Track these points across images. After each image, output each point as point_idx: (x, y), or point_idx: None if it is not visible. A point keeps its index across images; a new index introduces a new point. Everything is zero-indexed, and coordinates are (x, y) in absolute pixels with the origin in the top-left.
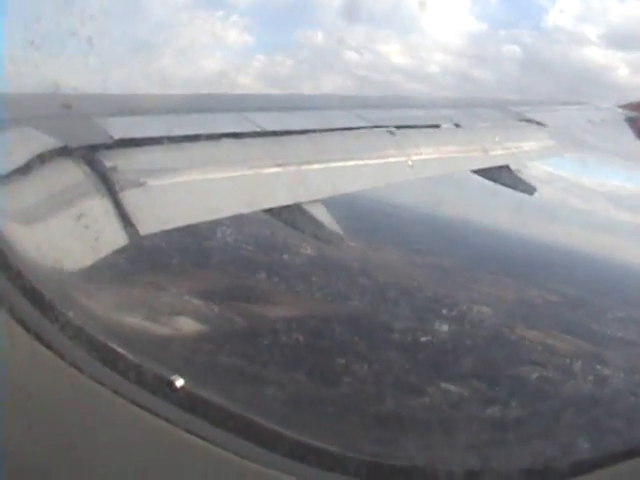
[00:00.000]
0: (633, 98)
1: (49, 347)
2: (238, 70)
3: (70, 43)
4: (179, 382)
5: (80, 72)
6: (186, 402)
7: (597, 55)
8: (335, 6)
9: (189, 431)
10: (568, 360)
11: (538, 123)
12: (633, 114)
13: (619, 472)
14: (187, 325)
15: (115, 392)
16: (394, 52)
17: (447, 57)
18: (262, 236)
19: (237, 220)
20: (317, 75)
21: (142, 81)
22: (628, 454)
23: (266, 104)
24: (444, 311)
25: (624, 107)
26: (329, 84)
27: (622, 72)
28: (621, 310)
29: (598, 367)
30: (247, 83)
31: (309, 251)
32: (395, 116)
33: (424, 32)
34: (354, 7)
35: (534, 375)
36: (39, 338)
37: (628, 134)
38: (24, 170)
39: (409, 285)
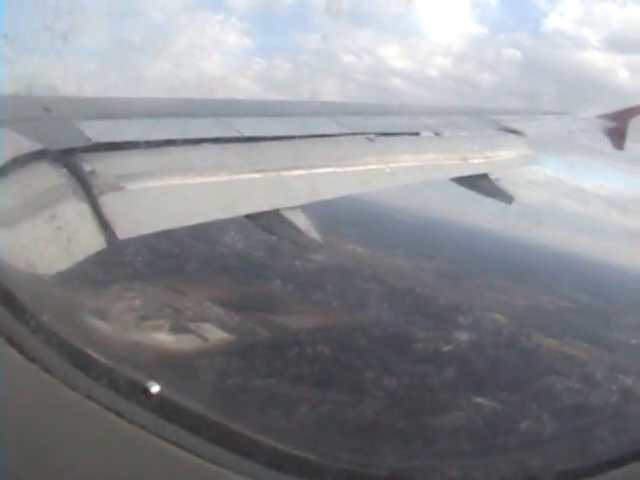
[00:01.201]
0: (633, 101)
1: (21, 351)
2: (237, 73)
3: (65, 45)
4: (154, 388)
5: (74, 74)
6: (161, 408)
7: (597, 59)
8: (332, 9)
9: (163, 438)
10: (589, 369)
11: (517, 132)
12: (611, 124)
13: None
14: (214, 333)
15: (88, 397)
16: (393, 55)
17: (447, 60)
18: (271, 242)
19: (245, 225)
20: (316, 78)
21: (139, 84)
22: None
23: (246, 110)
24: (460, 319)
25: (603, 117)
26: (328, 87)
27: (622, 75)
28: (632, 316)
29: (620, 376)
30: (246, 86)
31: (319, 257)
32: (375, 123)
33: (424, 35)
34: (353, 9)
35: (559, 386)
36: (11, 341)
37: (606, 144)
38: (2, 172)
39: (422, 292)
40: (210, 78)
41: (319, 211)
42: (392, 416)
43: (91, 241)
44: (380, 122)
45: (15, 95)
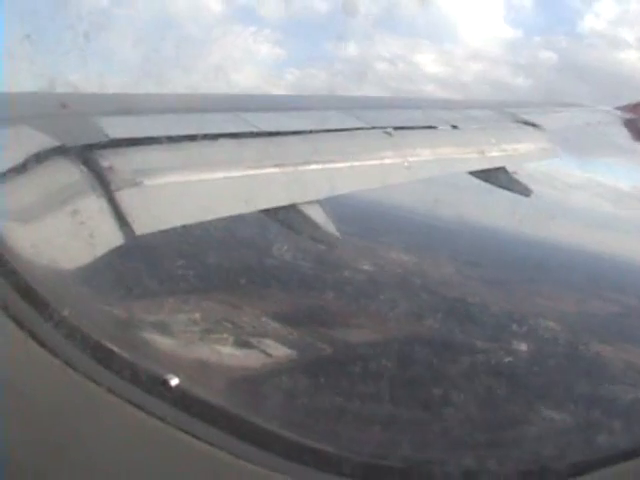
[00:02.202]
0: None
1: (43, 345)
2: (270, 83)
3: (104, 60)
4: (174, 381)
5: (111, 89)
6: (180, 401)
7: (634, 58)
8: (368, 17)
9: (183, 430)
10: None
11: (535, 125)
12: (630, 116)
13: None
14: (276, 349)
15: (109, 391)
16: (428, 62)
17: (482, 65)
18: (318, 252)
19: (291, 237)
20: (350, 87)
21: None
22: None
23: (263, 104)
24: (514, 327)
25: (621, 109)
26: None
27: None
28: None
29: None
30: None
31: (367, 267)
32: (392, 117)
33: (458, 41)
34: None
35: (629, 396)
36: (34, 336)
37: (625, 136)
38: (21, 169)
39: (473, 301)
40: (243, 89)
41: (359, 220)
42: (466, 432)
43: (109, 236)
44: (398, 116)
45: (32, 92)
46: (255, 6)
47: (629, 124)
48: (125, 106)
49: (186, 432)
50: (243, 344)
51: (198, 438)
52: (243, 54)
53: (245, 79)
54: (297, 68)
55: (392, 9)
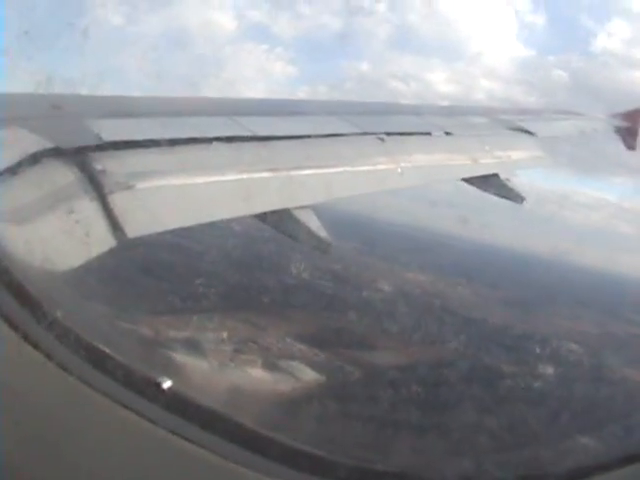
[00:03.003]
0: None
1: (36, 347)
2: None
3: (117, 81)
4: (166, 384)
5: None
6: (173, 404)
7: None
8: (381, 36)
9: (175, 433)
10: None
11: (529, 132)
12: (624, 123)
13: None
14: (304, 373)
15: (103, 393)
16: (441, 80)
17: (494, 84)
18: (335, 271)
19: (309, 255)
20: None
21: None
22: None
23: (258, 109)
24: (538, 350)
25: (616, 117)
26: None
27: None
28: None
29: None
30: None
31: (386, 287)
32: (386, 123)
33: (471, 59)
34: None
35: None
36: (26, 337)
37: (618, 145)
38: (13, 170)
39: (495, 322)
40: None
41: (375, 240)
42: (501, 461)
43: (101, 239)
44: (392, 122)
45: (25, 93)
46: (268, 24)
47: (623, 132)
48: (119, 108)
49: (188, 440)
50: (272, 367)
51: (198, 444)
52: (255, 72)
53: (257, 97)
54: (309, 86)
55: (405, 28)
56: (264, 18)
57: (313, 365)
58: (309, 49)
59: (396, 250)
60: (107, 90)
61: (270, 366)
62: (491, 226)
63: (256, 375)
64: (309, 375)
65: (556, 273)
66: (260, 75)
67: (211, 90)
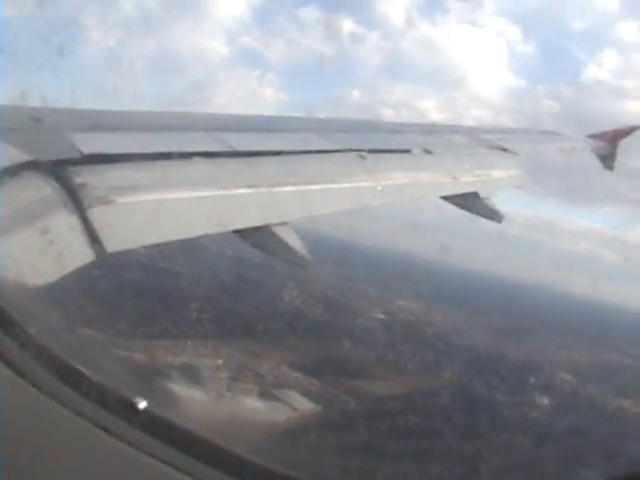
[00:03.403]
0: None
1: (8, 364)
2: None
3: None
4: (141, 404)
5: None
6: (148, 425)
7: (637, 108)
8: (373, 64)
9: (150, 454)
10: None
11: (508, 151)
12: (602, 144)
13: None
14: (300, 402)
15: (75, 412)
16: (431, 108)
17: (484, 112)
18: (327, 298)
19: (301, 281)
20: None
21: None
22: None
23: (238, 124)
24: (532, 380)
25: (593, 137)
26: None
27: None
28: None
29: None
30: None
31: (379, 315)
32: (367, 140)
33: (462, 88)
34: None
35: None
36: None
37: (596, 164)
38: None
39: (487, 350)
40: None
41: (368, 265)
42: None
43: (80, 253)
44: (372, 139)
45: (4, 105)
46: (260, 50)
47: (600, 151)
48: (100, 122)
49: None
50: (268, 396)
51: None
52: (247, 97)
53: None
54: (300, 113)
55: (397, 56)
56: (256, 44)
57: (308, 394)
58: (301, 76)
59: (383, 276)
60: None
61: (266, 395)
62: (473, 251)
63: (252, 404)
64: (304, 404)
65: (542, 300)
66: (251, 100)
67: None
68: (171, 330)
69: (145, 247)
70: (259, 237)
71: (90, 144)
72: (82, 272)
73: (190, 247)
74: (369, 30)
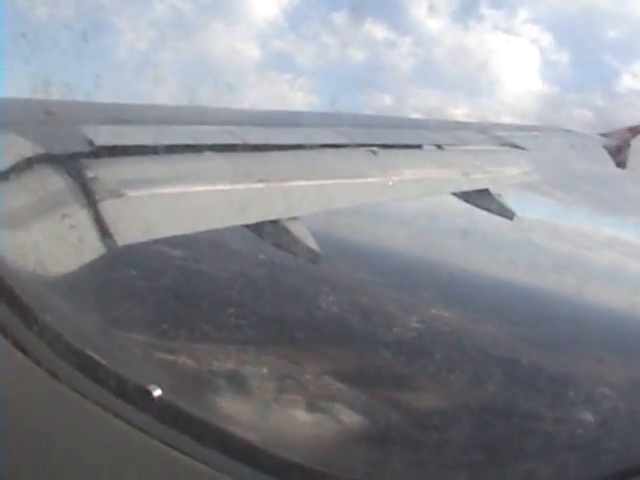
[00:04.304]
0: None
1: (26, 353)
2: None
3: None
4: (157, 392)
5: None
6: (163, 413)
7: None
8: (404, 70)
9: (165, 442)
10: None
11: (520, 148)
12: (614, 142)
13: None
14: (347, 415)
15: (93, 401)
16: (462, 115)
17: (516, 120)
18: (364, 305)
19: (337, 287)
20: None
21: None
22: None
23: (251, 119)
24: (572, 394)
25: (606, 135)
26: None
27: None
28: None
29: None
30: None
31: (415, 324)
32: (379, 136)
33: (494, 95)
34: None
35: None
36: (16, 344)
37: (608, 162)
38: (4, 176)
39: (526, 363)
40: None
41: (384, 265)
42: None
43: (91, 246)
44: (384, 135)
45: (18, 98)
46: (292, 54)
47: (612, 150)
48: (113, 115)
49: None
50: (314, 408)
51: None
52: (278, 100)
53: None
54: None
55: (430, 62)
56: (288, 47)
57: (354, 407)
58: (331, 80)
59: (419, 286)
60: None
61: (312, 407)
62: (499, 259)
63: (300, 417)
64: (351, 418)
65: (579, 314)
66: (282, 104)
67: None
68: (210, 334)
69: (175, 249)
70: (270, 232)
71: (103, 137)
72: (109, 272)
73: (217, 246)
74: (402, 35)
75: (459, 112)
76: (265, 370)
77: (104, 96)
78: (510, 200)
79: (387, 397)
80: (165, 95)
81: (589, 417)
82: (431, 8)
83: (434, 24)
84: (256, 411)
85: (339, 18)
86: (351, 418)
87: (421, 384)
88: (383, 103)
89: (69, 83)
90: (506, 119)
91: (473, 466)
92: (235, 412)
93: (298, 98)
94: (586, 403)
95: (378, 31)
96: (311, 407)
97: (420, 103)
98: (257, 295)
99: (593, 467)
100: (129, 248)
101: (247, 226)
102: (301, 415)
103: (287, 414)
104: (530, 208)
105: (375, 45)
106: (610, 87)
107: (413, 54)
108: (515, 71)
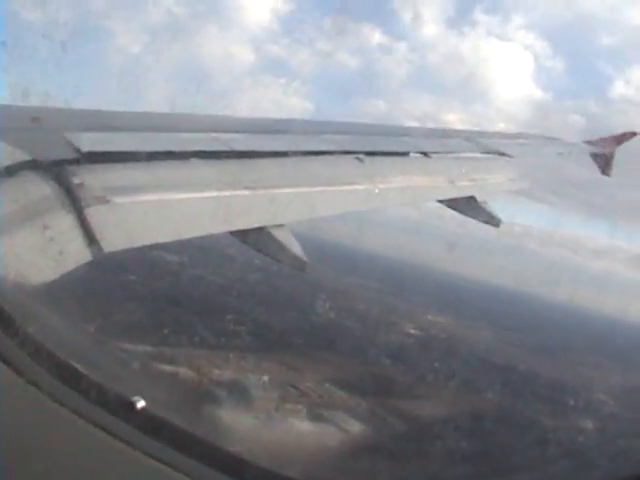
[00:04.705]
0: None
1: (7, 363)
2: None
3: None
4: (140, 403)
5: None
6: (146, 424)
7: None
8: (399, 76)
9: (147, 454)
10: None
11: (506, 155)
12: (599, 150)
13: None
14: (350, 424)
15: (73, 411)
16: (457, 120)
17: (510, 126)
18: (360, 312)
19: (334, 293)
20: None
21: None
22: None
23: (237, 126)
24: (571, 402)
25: (591, 143)
26: None
27: None
28: None
29: None
30: None
31: (412, 330)
32: (365, 143)
33: (488, 101)
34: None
35: None
36: None
37: (593, 169)
38: None
39: (524, 370)
40: None
41: (373, 270)
42: None
43: (77, 253)
44: (370, 142)
45: (4, 105)
46: (286, 58)
47: (597, 158)
48: (99, 122)
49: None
50: (316, 417)
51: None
52: (272, 105)
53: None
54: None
55: (424, 68)
56: (283, 52)
57: (356, 415)
58: (326, 85)
59: (413, 293)
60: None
61: (314, 416)
62: (490, 265)
63: (302, 427)
64: (354, 427)
65: (573, 320)
66: (276, 109)
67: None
68: (208, 340)
69: (170, 253)
70: (256, 239)
71: (89, 144)
72: (104, 276)
73: (212, 251)
74: (396, 41)
75: (453, 118)
76: (266, 378)
77: (97, 100)
78: (501, 206)
79: (388, 405)
80: (159, 98)
81: (589, 425)
82: (416, 17)
83: (429, 30)
84: (260, 423)
85: (333, 23)
86: (354, 427)
87: (421, 391)
88: (378, 108)
89: (62, 87)
90: (500, 125)
91: (477, 474)
92: (238, 424)
93: (292, 103)
94: (584, 410)
95: (373, 36)
96: (314, 417)
97: (414, 108)
98: (253, 301)
99: (595, 474)
100: (117, 254)
101: (233, 233)
102: (303, 425)
103: (289, 424)
104: (520, 214)
105: (370, 51)
106: (604, 94)
107: (407, 60)
108: (509, 77)
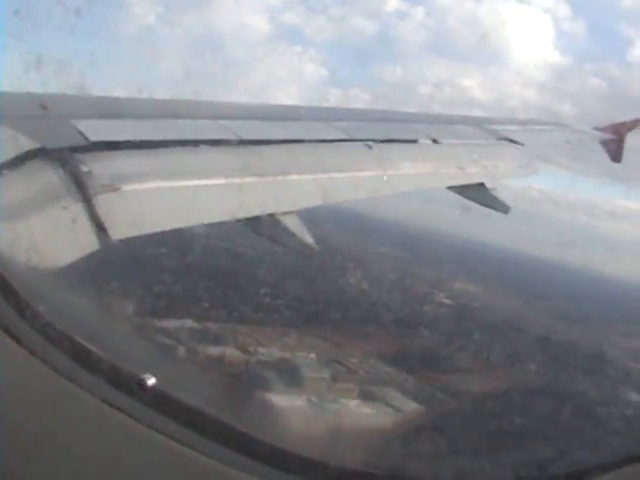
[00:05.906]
0: None
1: (20, 343)
2: (313, 103)
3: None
4: (150, 381)
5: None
6: (157, 402)
7: None
8: (415, 41)
9: (158, 430)
10: None
11: (515, 142)
12: (609, 136)
13: None
14: (400, 402)
15: (89, 391)
16: (474, 86)
17: (529, 91)
18: (394, 284)
19: (363, 262)
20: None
21: None
22: None
23: (245, 113)
24: (610, 372)
25: (601, 129)
26: None
27: None
28: None
29: None
30: None
31: (445, 300)
32: (374, 130)
33: (506, 65)
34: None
35: None
36: (10, 334)
37: (603, 156)
38: None
39: (561, 340)
40: None
41: (420, 252)
42: None
43: (85, 240)
44: (379, 129)
45: (12, 92)
46: (301, 26)
47: (607, 144)
48: (107, 110)
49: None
50: (367, 396)
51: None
52: (287, 73)
53: (288, 98)
54: (341, 89)
55: (441, 33)
56: (298, 20)
57: (405, 392)
58: (342, 52)
59: (440, 260)
60: (131, 90)
61: (365, 395)
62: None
63: (356, 407)
64: (405, 404)
65: (600, 288)
66: (292, 77)
67: (241, 91)
68: (247, 315)
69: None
70: (264, 225)
71: (97, 132)
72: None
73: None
74: (413, 5)
75: (471, 83)
76: (314, 355)
77: (113, 74)
78: None
79: (436, 380)
80: (175, 68)
81: (634, 397)
82: None
83: None
84: (314, 406)
85: None
86: (406, 405)
87: (465, 364)
88: (394, 75)
89: (78, 60)
90: (518, 89)
91: (538, 449)
92: (295, 409)
93: (308, 70)
94: (626, 382)
95: (390, 1)
96: (364, 395)
97: (432, 74)
98: (284, 274)
99: None
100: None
101: (242, 220)
102: (356, 405)
103: (343, 405)
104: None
105: (386, 16)
106: (625, 57)
107: (424, 25)
108: (528, 41)
